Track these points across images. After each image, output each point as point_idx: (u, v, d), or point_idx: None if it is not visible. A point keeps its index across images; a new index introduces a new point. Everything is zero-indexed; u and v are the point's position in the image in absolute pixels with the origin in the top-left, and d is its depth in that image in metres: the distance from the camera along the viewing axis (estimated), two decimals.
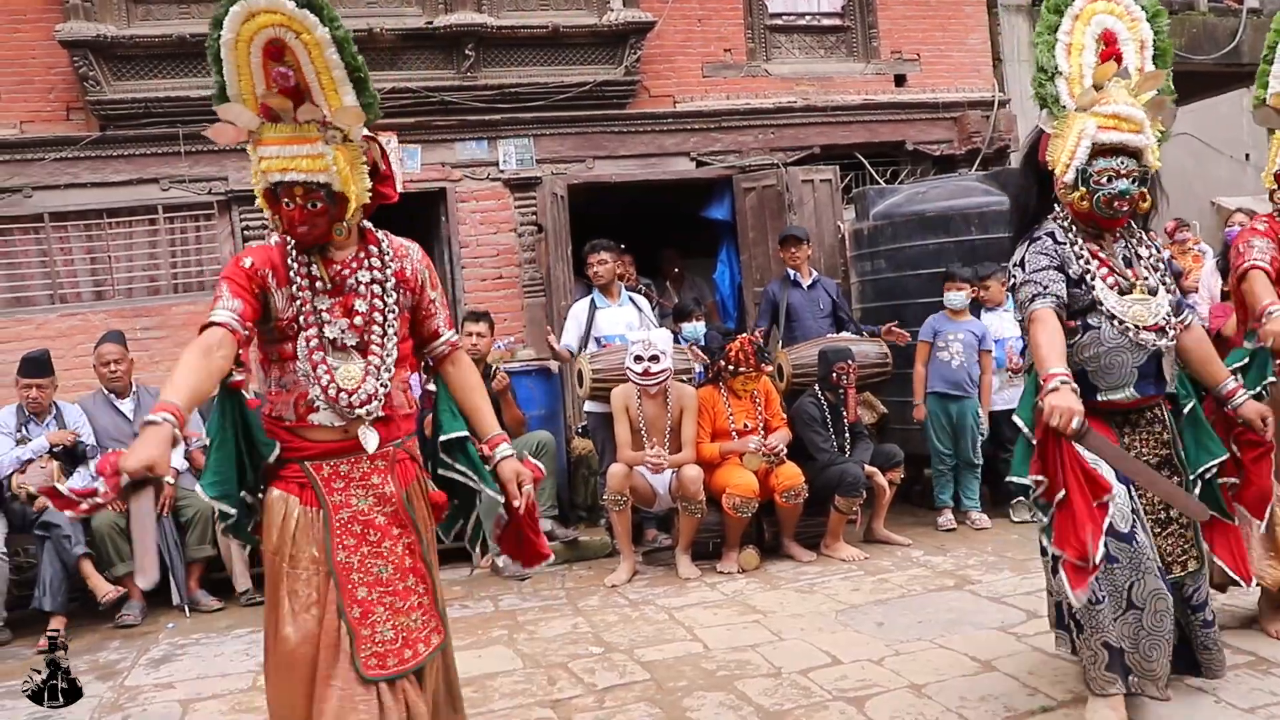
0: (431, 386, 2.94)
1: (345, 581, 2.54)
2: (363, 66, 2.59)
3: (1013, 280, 3.24)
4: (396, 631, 2.56)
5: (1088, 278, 3.14)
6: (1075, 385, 2.86)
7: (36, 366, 5.78)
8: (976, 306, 6.59)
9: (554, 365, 7.15)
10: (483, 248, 8.00)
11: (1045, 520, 3.01)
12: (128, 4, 7.17)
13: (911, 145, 8.96)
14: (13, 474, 5.61)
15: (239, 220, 7.50)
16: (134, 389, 6.11)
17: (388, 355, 2.64)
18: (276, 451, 2.60)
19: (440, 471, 2.86)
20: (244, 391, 2.61)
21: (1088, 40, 3.15)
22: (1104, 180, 3.07)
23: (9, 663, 5.11)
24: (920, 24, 9.07)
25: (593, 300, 6.51)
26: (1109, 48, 3.17)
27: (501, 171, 8.01)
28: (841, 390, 5.99)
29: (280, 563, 2.57)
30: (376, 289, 2.65)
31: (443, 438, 2.82)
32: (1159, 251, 3.31)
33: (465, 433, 2.83)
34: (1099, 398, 3.16)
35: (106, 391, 6.04)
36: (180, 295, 7.49)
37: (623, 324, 6.36)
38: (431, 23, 7.57)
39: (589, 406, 6.26)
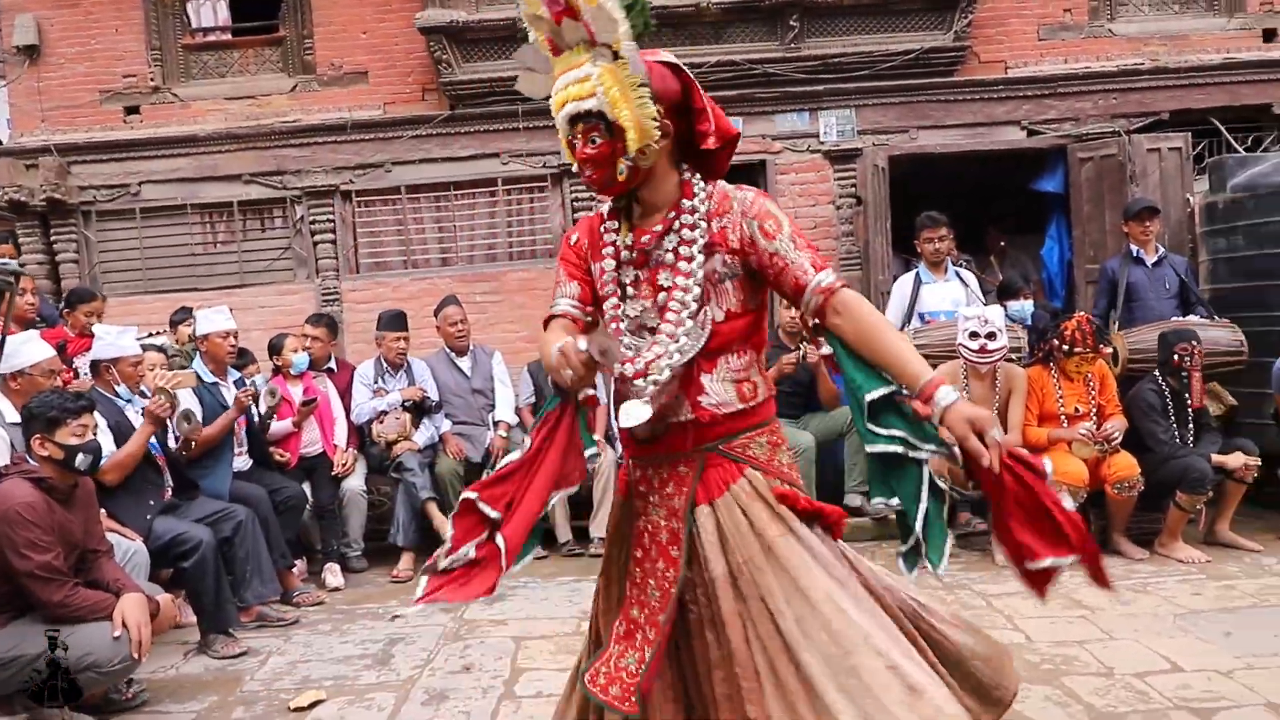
0: (826, 349, 2.49)
1: (628, 590, 2.30)
2: None
3: None
4: (626, 667, 2.20)
5: None
6: None
7: (399, 321, 6.46)
8: None
9: None
10: (800, 220, 7.93)
11: None
12: None
13: None
14: (371, 421, 6.27)
15: (569, 192, 7.92)
16: (472, 349, 6.64)
17: (684, 334, 2.13)
18: (591, 450, 2.30)
19: (870, 448, 2.13)
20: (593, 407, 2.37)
21: None
22: None
23: (366, 588, 5.77)
24: None
25: (917, 275, 6.32)
26: None
27: (822, 143, 7.93)
28: (1184, 375, 5.49)
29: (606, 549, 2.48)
30: (685, 253, 2.17)
31: (869, 397, 2.10)
32: None
33: (888, 389, 2.09)
34: None
35: (448, 350, 6.59)
36: (515, 262, 8.01)
37: (949, 300, 6.15)
38: None
39: None
